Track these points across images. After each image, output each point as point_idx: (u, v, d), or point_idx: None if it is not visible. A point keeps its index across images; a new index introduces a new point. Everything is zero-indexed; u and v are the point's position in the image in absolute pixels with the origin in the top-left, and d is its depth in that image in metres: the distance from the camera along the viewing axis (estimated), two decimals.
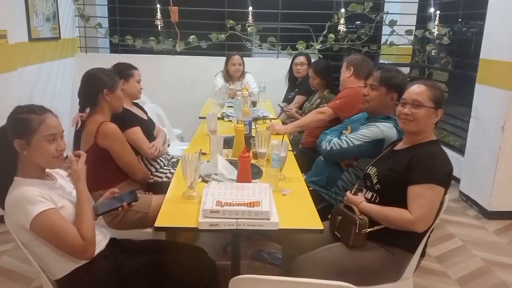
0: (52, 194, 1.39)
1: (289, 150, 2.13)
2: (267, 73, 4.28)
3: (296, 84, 3.93)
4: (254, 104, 3.42)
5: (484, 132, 3.28)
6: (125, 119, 2.16)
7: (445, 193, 1.58)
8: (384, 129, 1.98)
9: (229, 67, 3.91)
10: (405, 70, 4.80)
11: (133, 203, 1.57)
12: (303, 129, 2.83)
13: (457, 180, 3.73)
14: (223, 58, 4.01)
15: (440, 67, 4.95)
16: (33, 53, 3.54)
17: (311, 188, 2.12)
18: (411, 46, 4.75)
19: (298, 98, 3.62)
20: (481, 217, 3.25)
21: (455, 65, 4.97)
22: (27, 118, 1.37)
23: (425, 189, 1.53)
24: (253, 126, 2.49)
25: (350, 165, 2.10)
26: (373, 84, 2.07)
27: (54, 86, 3.91)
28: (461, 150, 3.89)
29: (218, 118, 2.87)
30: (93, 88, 1.99)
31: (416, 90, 1.67)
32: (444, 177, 1.56)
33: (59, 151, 1.41)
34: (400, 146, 1.77)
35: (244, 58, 4.05)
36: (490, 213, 3.22)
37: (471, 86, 3.44)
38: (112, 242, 1.59)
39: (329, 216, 1.80)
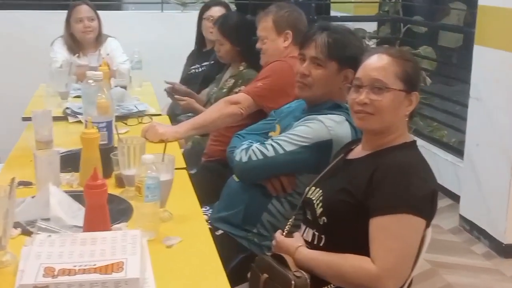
0: None
1: (180, 168, 2.13)
2: (146, 37, 4.30)
3: (203, 52, 3.95)
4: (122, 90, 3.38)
5: (491, 122, 3.56)
6: None
7: (427, 225, 1.67)
8: (331, 124, 2.06)
9: (73, 27, 3.90)
10: (370, 26, 5.04)
11: None
12: (206, 130, 2.86)
13: (456, 199, 4.00)
14: (65, 13, 3.98)
15: (424, 21, 5.28)
16: None
17: (220, 231, 2.16)
18: None
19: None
20: (494, 255, 3.50)
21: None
22: None
23: (394, 222, 1.61)
24: (115, 131, 2.44)
25: (283, 189, 2.15)
26: (317, 58, 2.14)
27: None
28: (459, 151, 4.18)
29: (58, 118, 2.81)
30: None
31: (376, 63, 1.75)
32: (423, 202, 1.65)
33: None
34: (356, 153, 1.84)
35: (103, 11, 4.05)
36: (507, 247, 3.48)
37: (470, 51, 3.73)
38: None
39: (249, 274, 1.84)
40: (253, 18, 3.22)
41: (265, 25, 2.80)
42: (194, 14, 4.07)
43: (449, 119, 4.75)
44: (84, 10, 3.87)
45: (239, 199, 2.20)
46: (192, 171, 2.67)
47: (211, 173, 2.80)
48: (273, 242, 1.89)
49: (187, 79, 3.96)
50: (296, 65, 2.27)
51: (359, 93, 1.76)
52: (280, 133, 2.22)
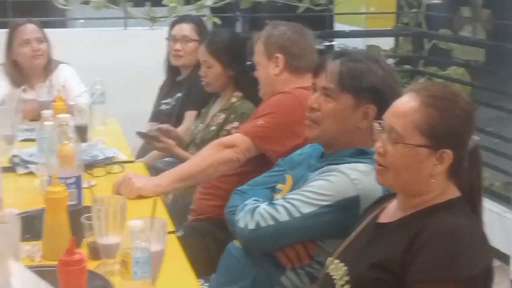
0: None
1: (169, 233, 2.14)
2: (107, 62, 4.31)
3: (177, 81, 4.03)
4: (83, 132, 3.38)
5: None
6: None
7: None
8: (357, 176, 2.11)
9: (17, 52, 3.92)
10: (386, 42, 5.12)
11: None
12: (194, 182, 2.86)
13: (505, 259, 4.05)
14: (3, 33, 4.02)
15: (454, 36, 5.34)
16: None
17: None
18: None
19: (191, 116, 3.71)
20: None
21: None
22: None
23: None
24: (84, 184, 2.45)
25: (299, 259, 2.17)
26: (326, 88, 2.20)
27: None
28: (506, 198, 4.23)
29: (3, 170, 2.73)
30: None
31: (399, 107, 1.81)
32: (474, 278, 1.65)
33: None
34: (391, 214, 1.87)
35: (48, 30, 4.08)
36: None
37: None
38: None
39: None
40: (248, 36, 3.28)
41: (257, 49, 2.88)
42: (165, 31, 4.12)
43: (488, 156, 4.78)
44: (30, 30, 3.89)
45: (244, 271, 2.22)
46: (177, 234, 2.68)
47: (201, 236, 2.80)
48: None
49: (157, 116, 4.00)
50: (305, 96, 2.34)
51: (380, 138, 1.81)
52: (293, 186, 2.24)
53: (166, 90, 4.08)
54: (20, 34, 3.90)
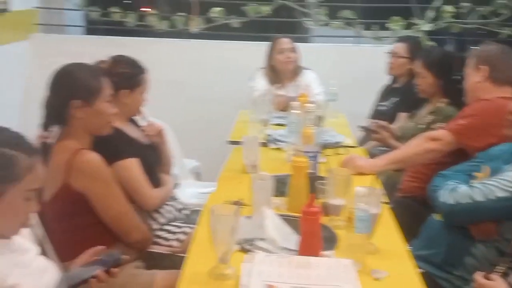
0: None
1: (384, 203, 2.14)
2: (340, 70, 4.35)
3: (393, 88, 4.00)
4: (319, 121, 3.48)
5: None
6: (115, 146, 2.27)
7: None
8: None
9: (275, 58, 4.08)
10: None
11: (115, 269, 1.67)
12: (403, 165, 2.88)
13: None
14: (266, 45, 4.16)
15: None
16: None
17: (420, 270, 2.13)
18: None
19: (403, 116, 3.69)
20: None
21: None
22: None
23: None
24: (320, 160, 2.54)
25: (488, 234, 2.11)
26: None
27: None
28: None
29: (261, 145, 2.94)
30: (61, 96, 2.11)
31: None
32: None
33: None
34: None
35: (299, 44, 4.17)
36: None
37: None
38: None
39: None
40: (460, 55, 3.20)
41: (469, 62, 2.79)
42: (387, 49, 4.10)
43: None
44: (286, 42, 4.05)
45: (441, 239, 2.21)
46: (390, 206, 2.70)
47: (405, 210, 2.73)
48: (474, 285, 1.85)
49: (375, 114, 3.99)
50: (505, 104, 2.27)
51: None
52: (489, 175, 2.18)
53: (384, 95, 4.06)
54: (278, 45, 4.06)
